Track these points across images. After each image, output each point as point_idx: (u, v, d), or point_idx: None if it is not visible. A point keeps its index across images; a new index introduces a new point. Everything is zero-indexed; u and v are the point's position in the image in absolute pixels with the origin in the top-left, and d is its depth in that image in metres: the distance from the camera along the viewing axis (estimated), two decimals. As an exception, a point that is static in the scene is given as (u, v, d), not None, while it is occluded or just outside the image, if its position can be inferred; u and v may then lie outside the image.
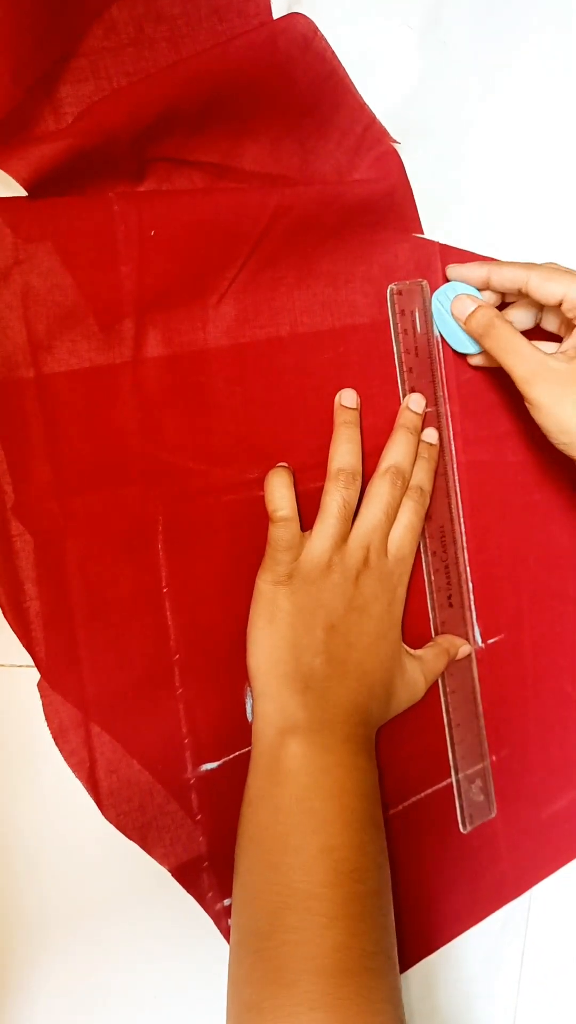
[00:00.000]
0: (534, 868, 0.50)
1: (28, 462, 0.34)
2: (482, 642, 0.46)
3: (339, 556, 0.39)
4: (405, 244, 0.42)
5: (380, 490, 0.40)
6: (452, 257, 0.43)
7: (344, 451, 0.40)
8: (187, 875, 0.38)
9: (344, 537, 0.39)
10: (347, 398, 0.41)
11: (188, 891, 0.38)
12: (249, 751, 0.38)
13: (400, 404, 0.42)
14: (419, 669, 0.42)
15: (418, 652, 0.43)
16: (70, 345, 0.34)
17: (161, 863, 0.38)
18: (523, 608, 0.48)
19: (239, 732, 0.39)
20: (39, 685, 0.35)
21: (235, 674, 0.39)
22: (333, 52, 0.37)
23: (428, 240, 0.42)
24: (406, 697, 0.42)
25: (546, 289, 0.39)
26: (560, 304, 0.39)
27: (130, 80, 0.35)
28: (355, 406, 0.41)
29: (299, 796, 0.35)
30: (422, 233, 0.42)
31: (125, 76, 0.35)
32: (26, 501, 0.34)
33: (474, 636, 0.46)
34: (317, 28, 0.36)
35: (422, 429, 0.43)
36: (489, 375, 0.45)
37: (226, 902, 0.39)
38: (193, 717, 0.38)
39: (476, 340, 0.41)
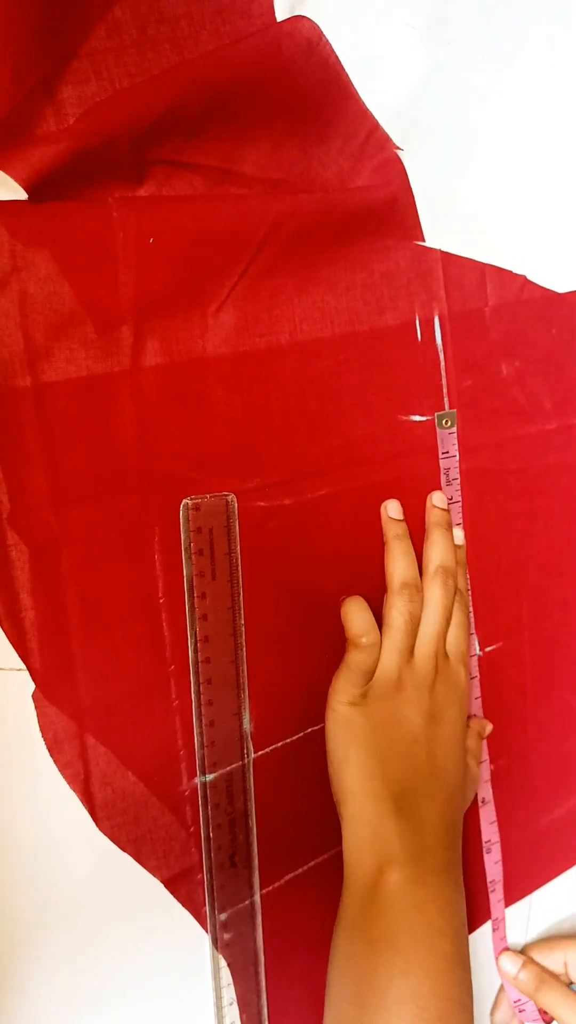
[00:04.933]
0: (531, 876, 0.50)
1: (24, 471, 0.34)
2: (480, 650, 0.46)
3: (409, 669, 0.40)
4: (406, 251, 0.41)
5: (435, 594, 0.41)
6: (453, 265, 0.43)
7: (403, 565, 0.41)
8: (180, 887, 0.38)
9: (410, 648, 0.40)
10: (393, 510, 0.42)
11: (181, 903, 0.38)
12: (241, 765, 0.38)
13: (400, 413, 0.42)
14: (473, 762, 0.43)
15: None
16: (68, 353, 0.34)
17: (154, 875, 0.37)
18: (523, 615, 0.48)
19: (234, 744, 0.39)
20: (34, 696, 0.34)
21: (231, 685, 0.39)
22: (337, 57, 0.36)
23: (429, 247, 0.42)
24: (471, 793, 0.43)
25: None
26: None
27: (132, 81, 0.35)
28: (402, 517, 0.42)
29: (391, 934, 0.35)
30: (423, 240, 0.42)
31: (128, 77, 0.35)
32: (22, 511, 0.34)
33: (472, 644, 0.46)
34: (322, 32, 0.36)
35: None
36: (489, 381, 0.45)
37: (221, 916, 0.39)
38: (188, 728, 0.38)
39: (529, 996, 0.45)
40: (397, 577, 0.41)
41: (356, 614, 0.40)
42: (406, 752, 0.38)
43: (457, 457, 0.44)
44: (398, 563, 0.41)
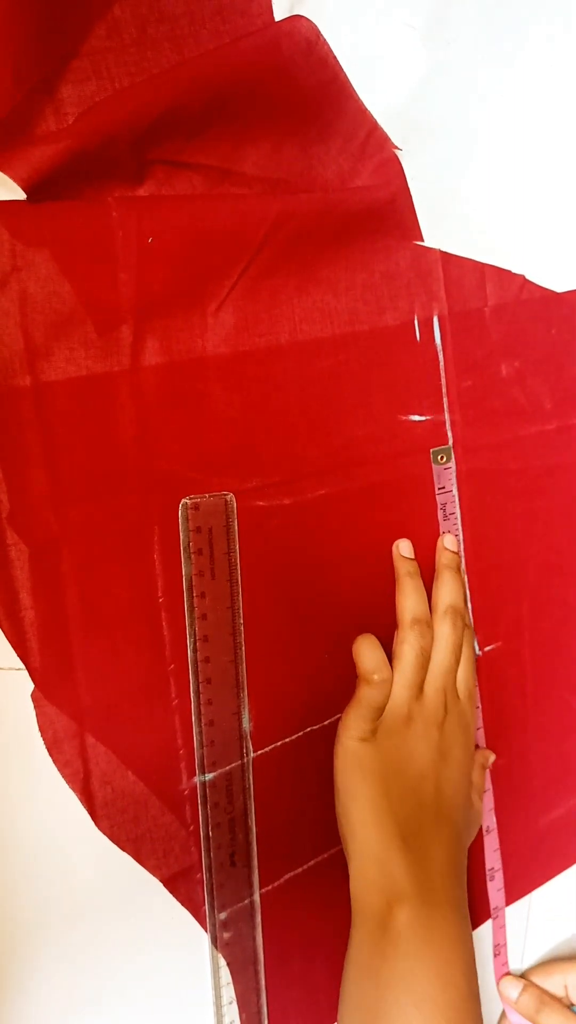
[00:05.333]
0: (531, 875, 0.50)
1: (24, 471, 0.34)
2: (480, 650, 0.46)
3: (419, 705, 0.40)
4: (406, 252, 0.41)
5: (444, 632, 0.41)
6: (453, 265, 0.43)
7: (414, 601, 0.41)
8: (180, 886, 0.38)
9: (420, 684, 0.40)
10: (404, 548, 0.42)
11: (180, 902, 0.38)
12: (241, 764, 0.38)
13: (402, 415, 0.42)
14: (477, 796, 0.44)
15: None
16: (67, 353, 0.34)
17: (154, 874, 0.37)
18: (522, 616, 0.48)
19: (234, 743, 0.39)
20: (33, 695, 0.34)
21: (230, 684, 0.39)
22: (335, 57, 0.36)
23: (429, 248, 0.42)
24: (475, 828, 0.44)
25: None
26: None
27: (132, 80, 0.35)
28: (413, 556, 0.42)
29: (404, 972, 0.34)
30: (422, 240, 0.42)
31: (127, 76, 0.35)
32: (22, 510, 0.34)
33: (471, 625, 0.46)
34: (320, 32, 0.36)
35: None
36: (488, 383, 0.45)
37: (221, 915, 0.39)
38: (188, 728, 0.38)
39: (530, 1019, 0.46)
40: (408, 612, 0.41)
41: (368, 651, 0.40)
42: (415, 789, 0.38)
43: (454, 492, 0.44)
44: (410, 599, 0.41)
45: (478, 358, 0.44)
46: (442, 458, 0.42)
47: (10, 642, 0.34)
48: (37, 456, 0.34)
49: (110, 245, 0.34)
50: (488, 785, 0.46)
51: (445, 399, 0.43)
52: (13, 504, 0.33)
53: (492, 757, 0.46)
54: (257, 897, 0.40)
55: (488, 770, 0.46)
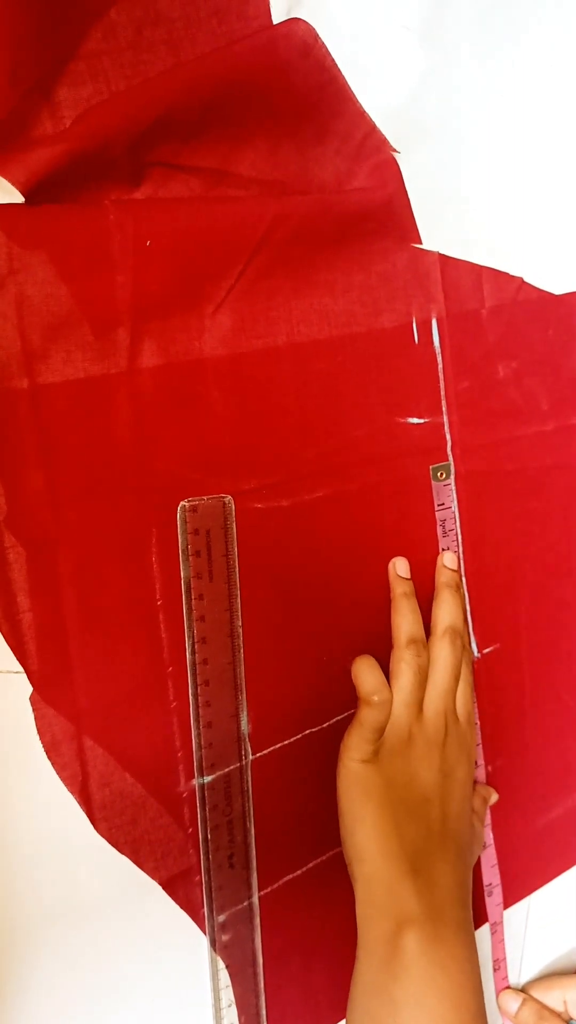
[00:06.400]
0: (529, 878, 0.50)
1: (21, 473, 0.34)
2: (478, 652, 0.46)
3: (419, 726, 0.40)
4: (403, 254, 0.41)
5: (443, 653, 0.41)
6: (450, 267, 0.43)
7: (410, 621, 0.41)
8: (178, 888, 0.38)
9: (419, 703, 0.40)
10: (401, 568, 0.42)
11: (179, 905, 0.38)
12: (239, 767, 0.38)
13: (400, 417, 0.42)
14: (478, 821, 0.44)
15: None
16: (65, 355, 0.34)
17: (152, 876, 0.37)
18: (521, 617, 0.48)
19: (232, 745, 0.39)
20: (31, 698, 0.34)
21: (228, 686, 0.39)
22: (333, 60, 0.37)
23: (426, 250, 0.42)
24: (477, 851, 0.44)
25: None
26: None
27: (129, 83, 0.35)
28: (409, 576, 0.42)
29: (415, 993, 0.35)
30: (420, 242, 0.42)
31: (124, 79, 0.35)
32: (19, 513, 0.34)
33: (470, 645, 0.46)
34: (317, 35, 0.36)
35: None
36: (486, 383, 0.45)
37: (220, 918, 0.39)
38: (186, 730, 0.38)
39: None
40: (404, 633, 0.41)
41: (367, 672, 0.40)
42: (419, 811, 0.38)
43: (453, 508, 0.44)
44: (406, 619, 0.41)
45: (475, 359, 0.44)
46: (441, 475, 0.42)
47: (8, 645, 0.34)
48: (35, 458, 0.34)
49: (107, 248, 0.34)
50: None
51: (443, 401, 0.43)
52: (11, 506, 0.33)
53: (495, 796, 0.46)
54: (256, 899, 0.40)
55: (486, 804, 0.46)
